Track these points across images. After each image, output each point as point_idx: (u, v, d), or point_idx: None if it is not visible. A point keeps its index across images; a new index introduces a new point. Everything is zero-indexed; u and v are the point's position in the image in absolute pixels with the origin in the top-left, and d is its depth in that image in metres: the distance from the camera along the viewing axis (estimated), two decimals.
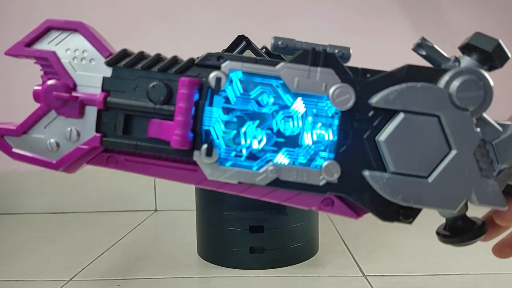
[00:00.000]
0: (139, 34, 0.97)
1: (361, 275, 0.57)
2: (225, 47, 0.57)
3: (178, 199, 0.96)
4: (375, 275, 0.56)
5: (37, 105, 0.28)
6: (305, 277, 0.56)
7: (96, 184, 0.97)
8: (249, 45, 0.56)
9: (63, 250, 0.70)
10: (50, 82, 0.27)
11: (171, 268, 0.60)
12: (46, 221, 0.91)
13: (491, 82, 0.26)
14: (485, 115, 0.27)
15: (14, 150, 0.28)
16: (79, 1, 0.99)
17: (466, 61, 0.27)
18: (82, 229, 0.84)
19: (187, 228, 0.77)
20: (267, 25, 0.98)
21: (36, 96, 0.28)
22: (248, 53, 0.56)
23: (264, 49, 0.59)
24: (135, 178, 0.97)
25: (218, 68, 0.27)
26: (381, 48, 0.98)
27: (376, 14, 1.00)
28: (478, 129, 0.26)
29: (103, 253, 0.67)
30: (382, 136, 0.26)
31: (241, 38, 0.56)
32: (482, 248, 0.57)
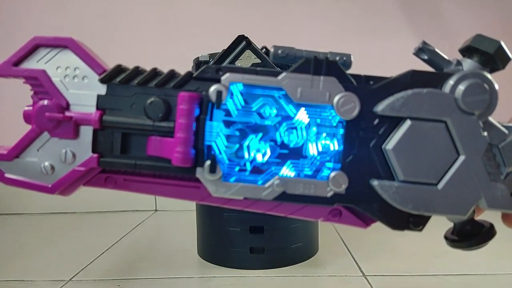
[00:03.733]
0: (139, 35, 0.97)
1: (361, 275, 0.57)
2: (225, 47, 0.57)
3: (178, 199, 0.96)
4: (375, 275, 0.56)
5: (28, 127, 0.27)
6: (305, 277, 0.56)
7: None
8: (249, 45, 0.56)
9: (63, 250, 0.70)
10: (41, 102, 0.26)
11: (171, 268, 0.60)
12: (46, 221, 0.91)
13: (496, 85, 0.26)
14: (490, 118, 0.27)
15: (6, 175, 0.27)
16: (76, 2, 0.99)
17: (468, 63, 0.27)
18: (82, 229, 0.84)
19: (187, 228, 0.77)
20: (267, 25, 0.98)
21: (27, 117, 0.26)
22: (247, 53, 0.56)
23: (264, 49, 0.59)
24: None
25: (217, 81, 0.26)
26: (380, 49, 0.98)
27: (376, 15, 1.00)
28: (485, 133, 0.26)
29: (103, 253, 0.67)
30: (390, 145, 0.26)
31: (241, 38, 0.56)
32: (482, 249, 0.57)
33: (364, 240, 0.71)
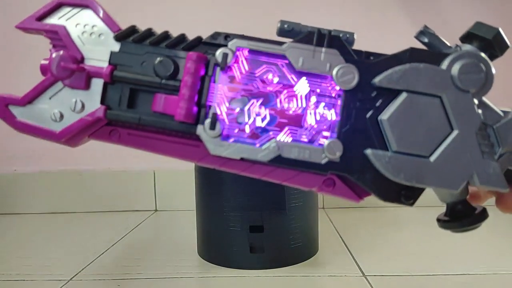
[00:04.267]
0: None
1: (361, 275, 0.57)
2: None
3: (178, 199, 0.96)
4: (375, 275, 0.56)
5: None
6: (305, 277, 0.56)
7: (95, 184, 0.97)
8: None
9: (63, 250, 0.70)
10: (59, 52, 0.28)
11: (171, 268, 0.60)
12: (46, 221, 0.91)
13: (492, 66, 0.27)
14: (485, 99, 0.27)
15: (17, 119, 0.28)
16: None
17: (467, 47, 0.28)
18: (82, 229, 0.84)
19: (187, 228, 0.77)
20: (267, 23, 0.98)
21: (44, 69, 0.28)
22: None
23: None
24: (135, 178, 0.97)
25: (225, 46, 0.27)
26: (381, 44, 0.98)
27: (376, 10, 1.01)
28: (480, 111, 0.27)
29: (103, 253, 0.67)
30: (385, 115, 0.27)
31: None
32: (482, 248, 0.57)
33: (364, 240, 0.71)
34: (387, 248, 0.67)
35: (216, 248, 0.61)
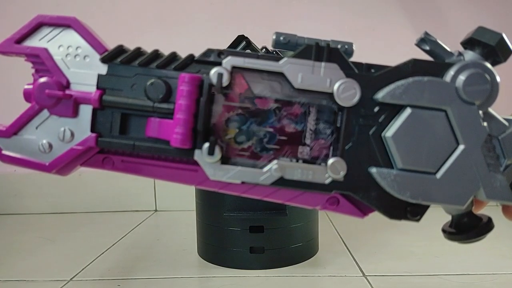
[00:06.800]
0: (137, 35, 0.97)
1: (361, 275, 0.57)
2: (225, 47, 0.57)
3: (178, 199, 0.96)
4: (375, 275, 0.56)
5: (27, 106, 0.27)
6: (305, 277, 0.56)
7: (95, 184, 0.97)
8: (249, 45, 0.56)
9: (63, 250, 0.70)
10: (42, 79, 0.26)
11: (171, 268, 0.60)
12: (46, 221, 0.91)
13: (497, 76, 0.26)
14: (490, 109, 0.27)
15: (3, 152, 0.26)
16: (75, 0, 0.99)
17: (470, 55, 0.27)
18: (82, 229, 0.84)
19: (187, 228, 0.77)
20: (267, 25, 0.98)
21: (27, 95, 0.26)
22: None
23: (264, 49, 0.59)
24: (135, 178, 0.97)
25: (219, 64, 0.26)
26: (380, 49, 0.98)
27: (376, 15, 1.00)
28: (485, 124, 0.26)
29: (103, 253, 0.67)
30: (389, 132, 0.26)
31: (241, 38, 0.56)
32: (482, 248, 0.57)
33: (364, 240, 0.71)
34: (387, 248, 0.67)
35: (216, 248, 0.61)
